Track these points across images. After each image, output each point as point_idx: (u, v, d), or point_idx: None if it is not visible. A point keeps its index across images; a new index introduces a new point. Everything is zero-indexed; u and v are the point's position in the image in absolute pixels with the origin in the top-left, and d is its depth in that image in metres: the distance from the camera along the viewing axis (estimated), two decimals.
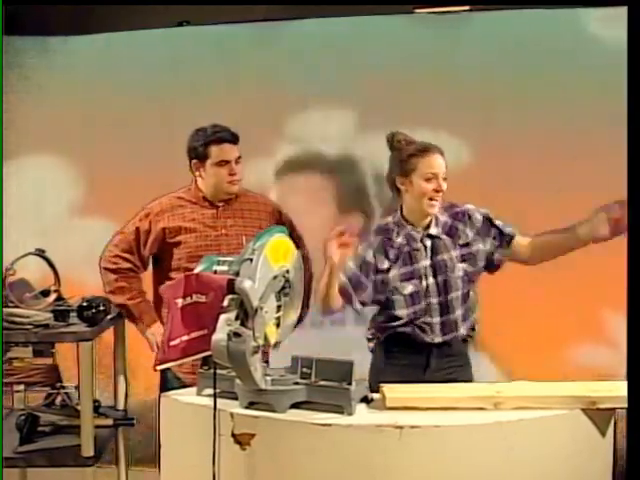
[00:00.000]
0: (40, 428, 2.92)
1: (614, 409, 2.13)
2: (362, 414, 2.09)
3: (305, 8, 3.84)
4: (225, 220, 3.15)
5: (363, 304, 2.74)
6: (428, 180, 2.67)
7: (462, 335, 2.75)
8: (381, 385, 2.23)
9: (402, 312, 2.70)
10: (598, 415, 2.10)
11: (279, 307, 2.15)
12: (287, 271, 2.15)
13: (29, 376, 2.94)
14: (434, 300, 2.70)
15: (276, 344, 2.16)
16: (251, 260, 2.07)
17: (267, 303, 2.07)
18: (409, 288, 2.70)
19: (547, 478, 2.07)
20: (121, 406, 3.17)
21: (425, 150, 2.70)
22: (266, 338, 2.09)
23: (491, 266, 2.79)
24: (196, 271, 2.19)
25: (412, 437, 1.96)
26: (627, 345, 2.54)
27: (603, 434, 2.12)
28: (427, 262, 2.71)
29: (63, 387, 3.01)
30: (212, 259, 2.19)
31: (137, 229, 3.15)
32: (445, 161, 2.72)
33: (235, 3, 3.84)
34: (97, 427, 2.84)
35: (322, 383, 2.10)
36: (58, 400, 3.07)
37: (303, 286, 2.28)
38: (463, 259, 2.73)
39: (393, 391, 2.18)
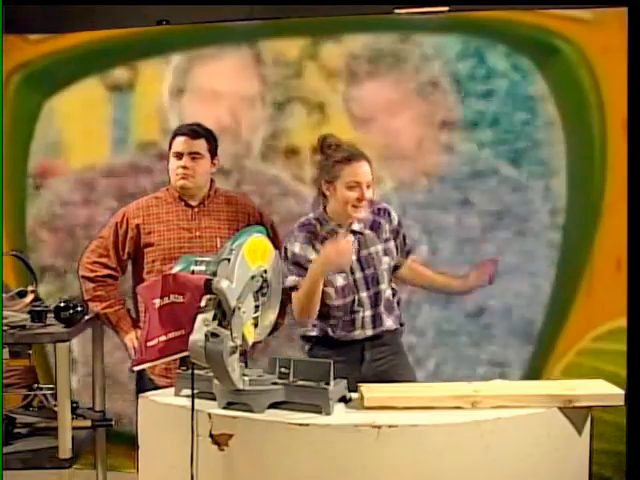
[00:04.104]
0: (17, 430, 2.90)
1: (590, 407, 2.15)
2: (340, 414, 2.09)
3: (288, 8, 3.84)
4: (199, 221, 3.13)
5: None
6: (351, 188, 2.71)
7: (390, 327, 2.81)
8: (360, 385, 2.23)
9: (334, 303, 2.75)
10: (574, 413, 2.12)
11: (257, 307, 2.15)
12: (265, 271, 2.15)
13: (5, 377, 2.91)
14: (364, 294, 2.78)
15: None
16: (229, 260, 2.07)
17: (245, 303, 2.07)
18: (340, 280, 2.75)
19: (524, 476, 2.08)
20: (99, 407, 3.15)
21: (350, 158, 2.72)
22: (244, 338, 2.08)
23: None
24: (173, 271, 2.19)
25: (390, 436, 1.97)
26: (627, 345, 2.59)
27: (579, 432, 2.14)
28: (354, 257, 2.75)
29: (40, 388, 2.99)
30: (189, 259, 2.18)
31: (115, 229, 3.13)
32: (371, 169, 2.74)
33: (217, 3, 3.84)
34: (75, 429, 2.82)
35: (300, 383, 2.10)
36: (35, 402, 3.05)
37: (282, 286, 2.28)
38: (385, 253, 2.82)
39: (371, 391, 2.18)
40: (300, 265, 2.71)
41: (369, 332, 2.78)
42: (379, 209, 2.85)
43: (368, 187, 2.72)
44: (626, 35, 2.94)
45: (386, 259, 2.82)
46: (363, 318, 2.77)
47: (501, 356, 3.79)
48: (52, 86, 4.04)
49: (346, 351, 2.77)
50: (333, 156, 2.74)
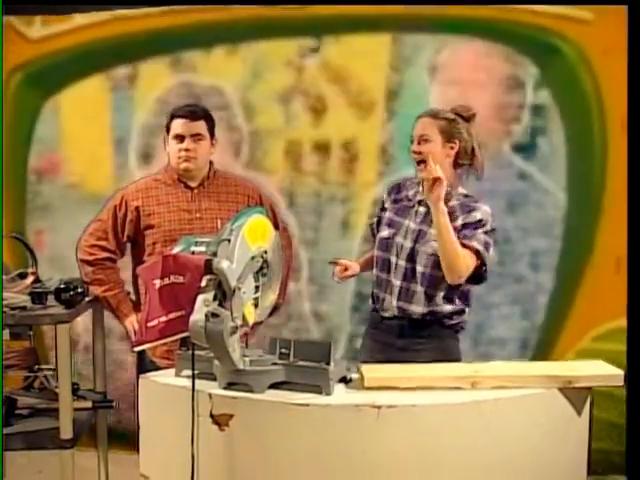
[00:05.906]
0: (18, 411, 2.91)
1: (590, 388, 2.15)
2: (340, 394, 2.10)
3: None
4: (199, 203, 3.11)
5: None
6: (412, 143, 2.81)
7: (418, 313, 2.75)
8: (360, 365, 2.24)
9: (376, 254, 2.86)
10: (574, 394, 2.12)
11: (257, 288, 2.15)
12: (265, 252, 2.15)
13: (6, 359, 2.92)
14: (402, 263, 2.77)
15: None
16: (229, 241, 2.06)
17: (245, 284, 2.07)
18: (384, 233, 2.84)
19: (523, 456, 2.08)
20: (100, 388, 3.16)
21: (419, 117, 2.84)
22: (244, 319, 2.08)
23: None
24: (174, 252, 2.19)
25: (389, 417, 1.97)
26: (627, 345, 2.61)
27: (579, 413, 2.14)
28: (413, 225, 2.78)
29: (40, 370, 3.00)
30: (190, 240, 2.18)
31: (114, 212, 3.11)
32: (434, 122, 2.76)
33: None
34: (76, 410, 2.83)
35: (301, 363, 2.10)
36: (36, 383, 3.06)
37: (281, 267, 2.28)
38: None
39: (371, 371, 2.19)
40: (380, 208, 2.96)
41: (394, 302, 2.77)
42: (467, 205, 2.73)
43: (421, 142, 2.76)
44: (626, 33, 2.94)
45: (434, 244, 2.68)
46: (392, 286, 2.78)
47: (501, 356, 3.80)
48: (53, 85, 4.05)
49: (381, 331, 2.83)
50: None
